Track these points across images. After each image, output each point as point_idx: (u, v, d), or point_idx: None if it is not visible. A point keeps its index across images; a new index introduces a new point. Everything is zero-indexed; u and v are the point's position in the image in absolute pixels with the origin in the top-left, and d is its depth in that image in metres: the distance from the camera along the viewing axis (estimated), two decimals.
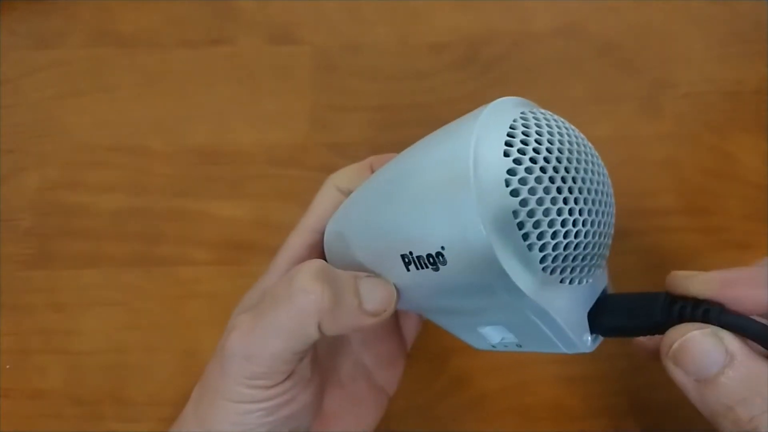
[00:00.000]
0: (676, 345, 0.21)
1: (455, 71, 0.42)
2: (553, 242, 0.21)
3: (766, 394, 0.20)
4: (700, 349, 0.21)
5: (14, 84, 0.41)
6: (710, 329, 0.21)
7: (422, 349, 0.34)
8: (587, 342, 0.24)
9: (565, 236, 0.21)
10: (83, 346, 0.34)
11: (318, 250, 0.28)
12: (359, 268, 0.25)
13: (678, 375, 0.21)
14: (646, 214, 0.38)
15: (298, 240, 0.28)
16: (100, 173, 0.39)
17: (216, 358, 0.25)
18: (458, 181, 0.21)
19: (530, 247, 0.21)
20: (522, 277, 0.21)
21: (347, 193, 0.28)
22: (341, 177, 0.29)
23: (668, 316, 0.22)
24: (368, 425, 0.29)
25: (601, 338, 0.24)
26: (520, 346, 0.25)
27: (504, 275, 0.21)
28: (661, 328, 0.22)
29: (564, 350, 0.24)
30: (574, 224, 0.21)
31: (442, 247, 0.22)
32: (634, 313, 0.23)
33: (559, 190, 0.21)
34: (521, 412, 0.33)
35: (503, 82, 0.41)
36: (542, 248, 0.21)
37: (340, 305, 0.23)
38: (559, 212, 0.21)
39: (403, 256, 0.23)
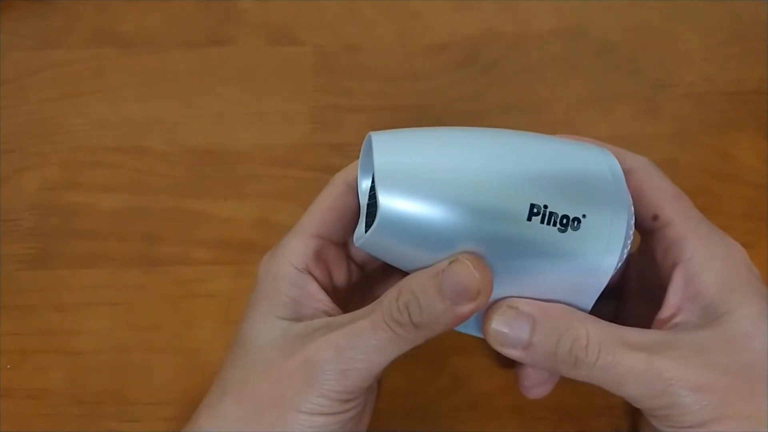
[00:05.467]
0: (491, 330, 0.25)
1: (455, 72, 0.42)
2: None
3: (573, 331, 0.24)
4: (507, 321, 0.24)
5: (15, 84, 0.41)
6: (504, 307, 0.24)
7: (422, 348, 0.34)
8: None
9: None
10: (83, 345, 0.34)
11: (323, 260, 0.27)
12: (445, 202, 0.23)
13: (508, 353, 0.25)
14: None
15: (300, 247, 0.26)
16: (100, 173, 0.39)
17: (266, 375, 0.24)
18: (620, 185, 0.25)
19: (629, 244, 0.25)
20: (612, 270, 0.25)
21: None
22: (354, 173, 0.27)
23: None
24: (370, 412, 0.30)
25: None
26: None
27: (617, 261, 0.24)
28: None
29: None
30: None
31: (584, 215, 0.24)
32: None
33: None
34: (521, 411, 0.33)
35: (503, 83, 0.42)
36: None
37: (438, 322, 0.24)
38: None
39: (533, 206, 0.23)
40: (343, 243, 0.29)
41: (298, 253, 0.26)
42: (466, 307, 0.23)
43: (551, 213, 0.23)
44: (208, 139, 0.40)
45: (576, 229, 0.24)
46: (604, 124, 0.40)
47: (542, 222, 0.23)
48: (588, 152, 0.26)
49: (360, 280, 0.30)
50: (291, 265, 0.26)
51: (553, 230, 0.24)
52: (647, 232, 0.28)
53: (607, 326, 0.24)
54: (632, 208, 0.26)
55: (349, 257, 0.29)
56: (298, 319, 0.25)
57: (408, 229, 0.23)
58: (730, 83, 0.41)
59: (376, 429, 0.31)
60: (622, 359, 0.23)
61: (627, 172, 0.26)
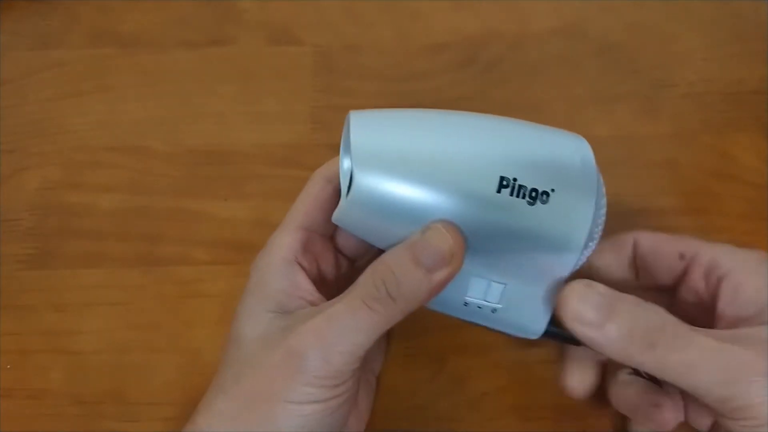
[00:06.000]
0: (570, 307, 0.24)
1: (455, 71, 0.42)
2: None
3: (649, 314, 0.24)
4: (586, 299, 0.24)
5: (15, 84, 0.41)
6: (582, 285, 0.25)
7: (422, 348, 0.34)
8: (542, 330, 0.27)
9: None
10: (84, 345, 0.34)
11: (311, 251, 0.28)
12: (417, 173, 0.24)
13: (583, 332, 0.24)
14: (645, 214, 0.38)
15: (287, 240, 0.27)
16: (100, 173, 0.39)
17: (253, 368, 0.24)
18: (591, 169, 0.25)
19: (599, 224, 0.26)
20: (584, 250, 0.25)
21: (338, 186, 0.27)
22: (332, 168, 0.28)
23: None
24: (367, 408, 0.29)
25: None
26: (494, 312, 0.27)
27: (582, 245, 0.25)
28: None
29: (521, 334, 0.27)
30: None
31: (552, 189, 0.24)
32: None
33: None
34: (521, 411, 0.33)
35: (503, 83, 0.42)
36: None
37: (416, 293, 0.24)
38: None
39: (502, 178, 0.24)
40: (330, 236, 0.29)
41: (286, 245, 0.27)
42: (442, 273, 0.24)
43: (521, 186, 0.24)
44: (208, 139, 0.40)
45: (545, 202, 0.24)
46: (604, 124, 0.40)
47: (512, 194, 0.24)
48: (561, 137, 0.26)
49: (349, 273, 0.30)
50: (280, 257, 0.27)
51: (522, 202, 0.24)
52: (679, 275, 0.28)
53: (676, 318, 0.24)
54: (603, 189, 0.26)
55: (337, 249, 0.30)
56: (285, 311, 0.25)
57: (381, 202, 0.24)
58: (730, 83, 0.41)
59: (376, 429, 0.31)
60: (696, 340, 0.23)
61: (637, 244, 0.28)
